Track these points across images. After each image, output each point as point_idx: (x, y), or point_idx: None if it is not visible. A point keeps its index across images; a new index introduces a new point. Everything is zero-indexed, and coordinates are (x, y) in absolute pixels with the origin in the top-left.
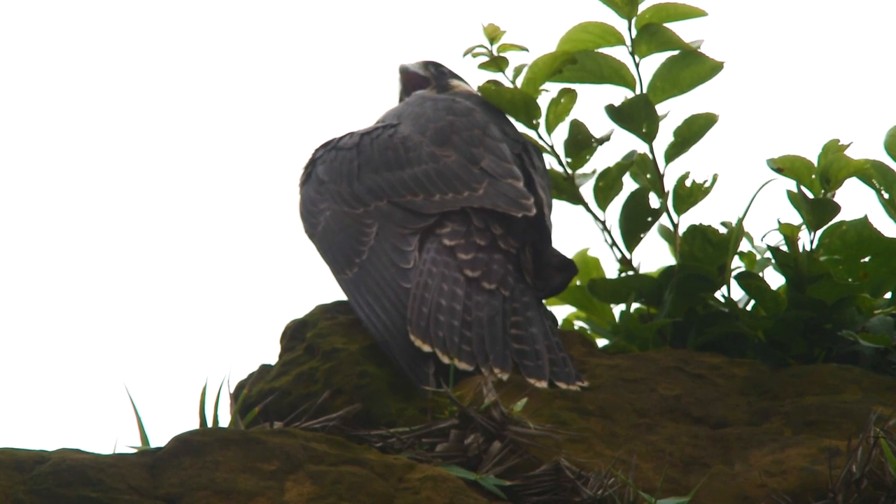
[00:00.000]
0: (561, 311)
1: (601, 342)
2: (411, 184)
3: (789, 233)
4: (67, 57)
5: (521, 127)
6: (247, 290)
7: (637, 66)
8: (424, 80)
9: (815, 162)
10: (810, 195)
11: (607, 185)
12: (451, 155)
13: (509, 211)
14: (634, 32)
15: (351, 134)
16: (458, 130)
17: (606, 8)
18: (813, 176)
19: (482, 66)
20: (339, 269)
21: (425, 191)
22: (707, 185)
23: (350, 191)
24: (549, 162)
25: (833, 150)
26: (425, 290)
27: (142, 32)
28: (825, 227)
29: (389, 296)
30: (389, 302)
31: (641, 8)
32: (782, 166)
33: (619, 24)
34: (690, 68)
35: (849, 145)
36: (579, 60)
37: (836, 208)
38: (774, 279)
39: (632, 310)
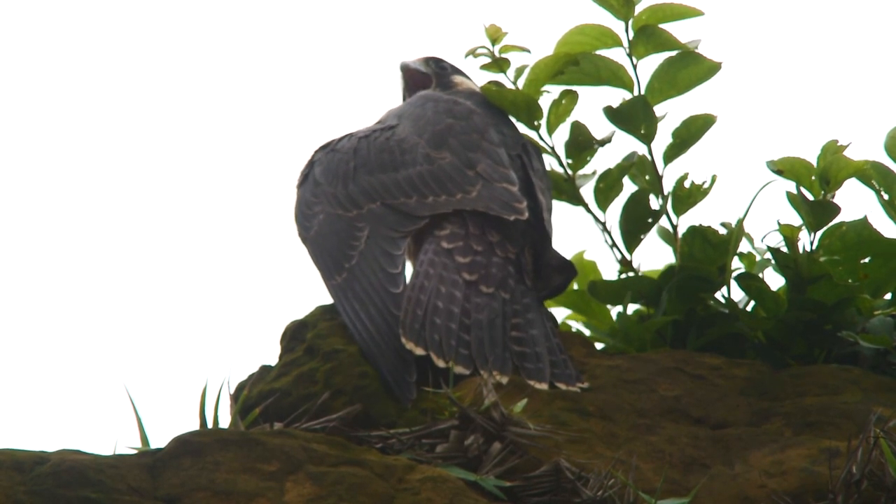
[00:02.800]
0: (558, 315)
1: (599, 345)
2: (405, 185)
3: (789, 234)
4: (67, 57)
5: (522, 128)
6: (247, 291)
7: (635, 67)
8: (426, 76)
9: (814, 163)
10: (810, 197)
11: (608, 187)
12: (446, 157)
13: (501, 214)
14: (631, 34)
15: (349, 136)
16: (455, 134)
17: (603, 10)
18: (812, 177)
19: (484, 67)
20: (329, 275)
21: (418, 192)
22: (706, 186)
23: (345, 192)
24: (550, 163)
25: (832, 151)
26: (421, 291)
27: (142, 33)
28: (825, 229)
29: (375, 301)
30: (375, 308)
31: (638, 9)
32: (782, 168)
33: (616, 26)
34: (688, 69)
35: (847, 146)
36: (579, 63)
37: (835, 209)
38: (774, 280)
39: (630, 312)
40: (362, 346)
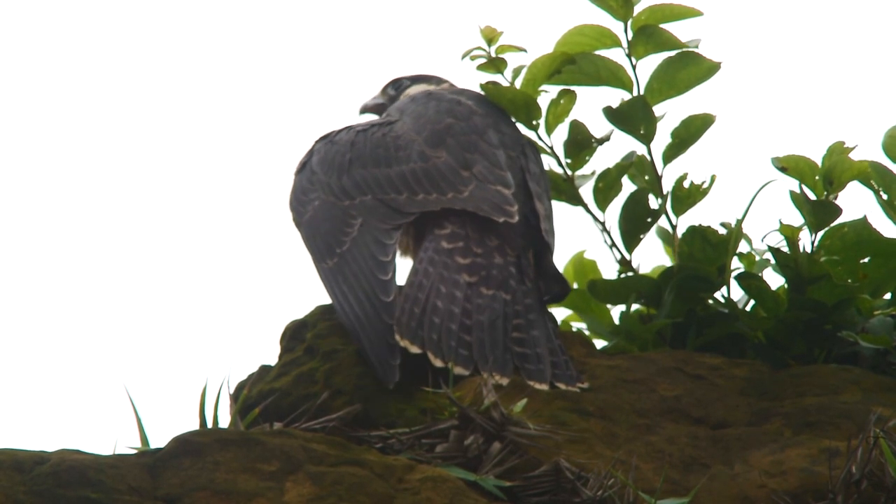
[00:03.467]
0: (559, 315)
1: (600, 343)
2: (396, 181)
3: (790, 234)
4: (67, 57)
5: (520, 127)
6: (247, 290)
7: (634, 67)
8: (385, 105)
9: (818, 163)
10: (813, 196)
11: (607, 186)
12: (441, 156)
13: (491, 215)
14: (630, 34)
15: (348, 128)
16: (454, 134)
17: (602, 11)
18: (816, 177)
19: (481, 67)
20: (321, 258)
21: (409, 189)
22: (705, 185)
23: (339, 183)
24: (549, 163)
25: (838, 151)
26: (419, 290)
27: (142, 32)
28: (826, 229)
29: (364, 286)
30: (363, 292)
31: (637, 9)
32: (787, 165)
33: (615, 27)
34: (687, 69)
35: (854, 148)
36: (576, 63)
37: (837, 210)
38: (774, 280)
39: (631, 311)
40: (347, 327)
